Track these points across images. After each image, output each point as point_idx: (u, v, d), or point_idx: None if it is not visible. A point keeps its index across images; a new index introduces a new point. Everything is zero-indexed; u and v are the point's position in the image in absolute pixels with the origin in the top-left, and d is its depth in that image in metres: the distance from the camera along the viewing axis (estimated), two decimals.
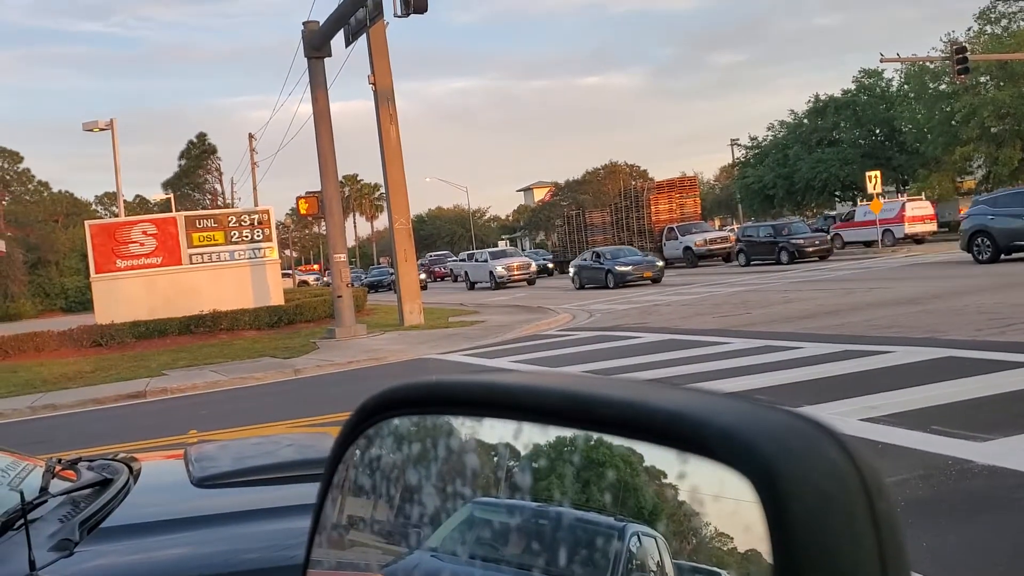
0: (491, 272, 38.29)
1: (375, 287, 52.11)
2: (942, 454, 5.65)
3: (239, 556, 1.91)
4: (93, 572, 1.82)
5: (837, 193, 51.32)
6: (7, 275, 63.37)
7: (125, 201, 39.45)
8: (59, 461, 2.32)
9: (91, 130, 32.50)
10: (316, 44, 21.41)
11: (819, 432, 0.65)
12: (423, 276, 50.68)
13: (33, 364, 20.10)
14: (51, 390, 15.48)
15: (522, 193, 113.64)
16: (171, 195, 55.68)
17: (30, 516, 1.83)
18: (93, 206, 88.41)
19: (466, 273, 42.96)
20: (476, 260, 42.20)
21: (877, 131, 49.42)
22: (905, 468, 5.41)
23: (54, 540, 1.82)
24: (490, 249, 45.21)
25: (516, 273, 37.91)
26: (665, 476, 0.70)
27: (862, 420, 6.71)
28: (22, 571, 1.71)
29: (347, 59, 55.07)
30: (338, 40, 21.10)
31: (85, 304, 51.15)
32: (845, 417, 6.72)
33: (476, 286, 40.66)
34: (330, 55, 21.79)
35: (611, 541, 0.73)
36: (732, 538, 0.65)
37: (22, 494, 1.86)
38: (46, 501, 1.94)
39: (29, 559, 1.71)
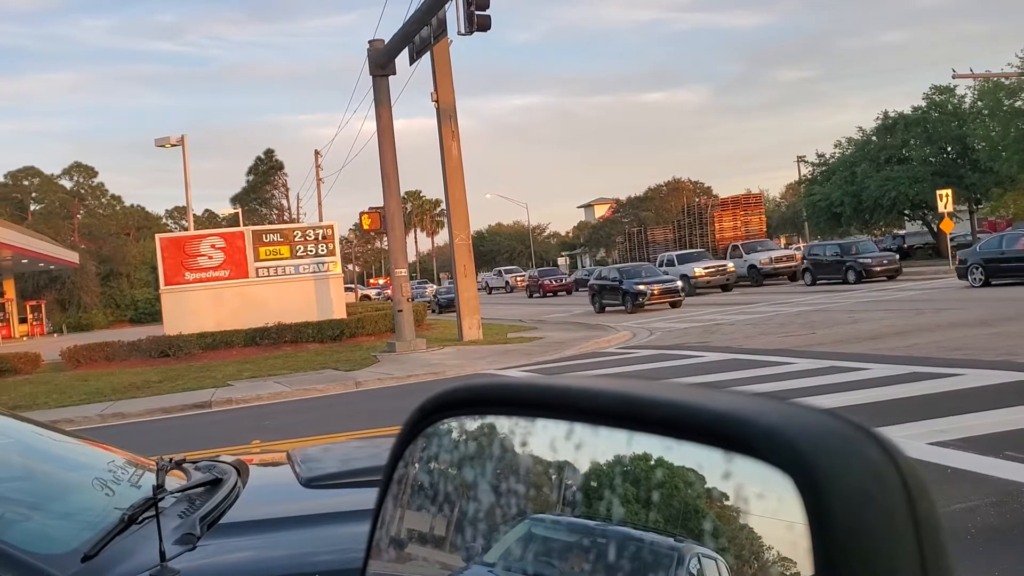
0: None
1: (447, 307, 39.68)
2: (1015, 480, 5.47)
3: (351, 554, 1.95)
4: (217, 565, 1.89)
5: (907, 212, 50.17)
6: (81, 286, 65.38)
7: (194, 215, 40.46)
8: (169, 461, 2.39)
9: (163, 146, 33.40)
10: (381, 62, 21.74)
11: (861, 433, 0.66)
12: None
13: (103, 373, 20.68)
14: (120, 399, 15.89)
15: (583, 210, 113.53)
16: (239, 210, 56.90)
17: (151, 512, 1.90)
18: (163, 220, 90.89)
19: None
20: None
21: (949, 149, 48.20)
22: (976, 494, 5.25)
23: (178, 534, 1.89)
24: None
25: None
26: (721, 489, 0.70)
27: (930, 444, 6.53)
28: (153, 561, 1.77)
29: (411, 77, 55.73)
30: (402, 59, 21.44)
31: (154, 315, 52.50)
32: (912, 440, 6.55)
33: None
34: (394, 73, 22.10)
35: (671, 562, 0.73)
36: (795, 563, 0.64)
37: (154, 488, 1.94)
38: (163, 498, 2.01)
39: (160, 550, 1.77)
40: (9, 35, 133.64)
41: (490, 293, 63.56)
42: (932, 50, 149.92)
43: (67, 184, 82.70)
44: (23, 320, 57.54)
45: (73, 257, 57.91)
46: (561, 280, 53.26)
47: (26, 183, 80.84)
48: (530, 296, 51.73)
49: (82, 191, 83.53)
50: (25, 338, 53.02)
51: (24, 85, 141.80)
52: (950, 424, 7.20)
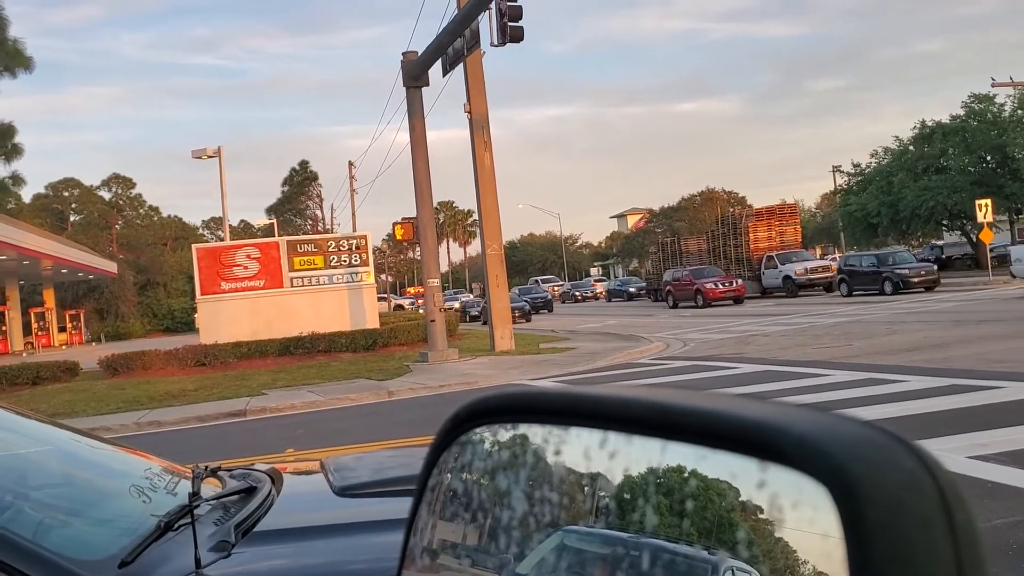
0: None
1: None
2: None
3: (385, 563, 1.96)
4: (251, 573, 1.90)
5: (944, 222, 49.47)
6: (119, 296, 66.27)
7: (230, 226, 40.85)
8: (205, 468, 2.43)
9: (199, 157, 33.86)
10: (414, 74, 21.88)
11: (896, 443, 0.66)
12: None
13: (140, 382, 20.93)
14: (156, 407, 16.07)
15: (615, 220, 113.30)
16: (274, 220, 57.41)
17: (187, 519, 1.92)
18: (200, 230, 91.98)
19: None
20: None
21: (988, 158, 47.42)
22: (1018, 509, 5.15)
23: (213, 541, 1.91)
24: None
25: None
26: (755, 499, 0.69)
27: (971, 458, 6.41)
28: (188, 568, 1.79)
29: (444, 88, 55.80)
30: (435, 70, 21.56)
31: (189, 325, 53.08)
32: (952, 454, 6.44)
33: None
34: (428, 84, 22.24)
35: (704, 575, 0.73)
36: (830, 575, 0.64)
37: (190, 495, 1.97)
38: (199, 505, 2.03)
39: (195, 557, 1.79)
40: (53, 50, 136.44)
41: None
42: (970, 58, 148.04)
43: (106, 195, 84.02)
44: (62, 329, 58.38)
45: (111, 267, 58.77)
46: (733, 283, 37.18)
47: (66, 194, 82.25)
48: (673, 307, 38.76)
49: (120, 202, 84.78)
50: (64, 347, 53.80)
51: (65, 99, 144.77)
52: (991, 438, 7.07)
